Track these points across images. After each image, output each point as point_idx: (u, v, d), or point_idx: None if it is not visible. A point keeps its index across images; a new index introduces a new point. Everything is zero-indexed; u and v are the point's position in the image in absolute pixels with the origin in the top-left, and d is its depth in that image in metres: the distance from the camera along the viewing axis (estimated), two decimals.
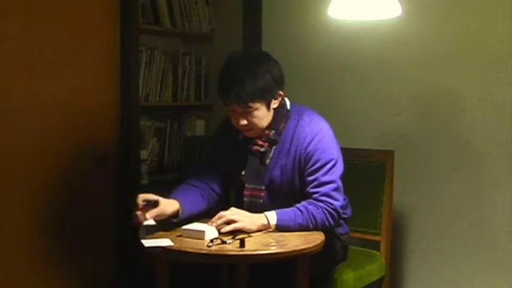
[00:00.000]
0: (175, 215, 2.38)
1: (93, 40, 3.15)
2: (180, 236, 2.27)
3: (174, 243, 2.17)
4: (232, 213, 2.35)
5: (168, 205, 2.36)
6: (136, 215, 2.29)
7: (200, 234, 2.23)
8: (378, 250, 2.96)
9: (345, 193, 2.51)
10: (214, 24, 3.96)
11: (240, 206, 2.45)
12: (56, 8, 2.98)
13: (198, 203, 2.49)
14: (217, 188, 2.58)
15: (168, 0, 3.69)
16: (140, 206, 2.29)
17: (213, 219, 2.34)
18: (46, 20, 2.95)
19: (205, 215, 2.47)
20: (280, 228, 2.35)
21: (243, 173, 2.52)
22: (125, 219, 2.65)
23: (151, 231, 2.26)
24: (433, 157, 3.10)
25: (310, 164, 2.44)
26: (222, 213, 2.35)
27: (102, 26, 3.19)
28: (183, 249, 2.15)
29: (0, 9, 2.79)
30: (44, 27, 2.94)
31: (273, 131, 2.49)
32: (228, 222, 2.31)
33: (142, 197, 2.31)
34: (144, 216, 2.28)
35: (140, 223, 2.27)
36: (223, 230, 2.29)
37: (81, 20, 3.08)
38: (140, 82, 3.48)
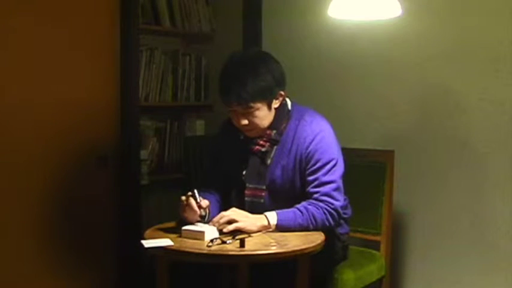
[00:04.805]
0: (204, 214, 2.38)
1: (93, 40, 3.15)
2: (180, 236, 2.27)
3: (174, 243, 2.17)
4: (233, 213, 2.35)
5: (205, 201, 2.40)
6: (190, 204, 2.33)
7: (200, 235, 2.23)
8: (378, 250, 2.96)
9: (345, 193, 2.51)
10: (214, 24, 3.96)
11: (241, 206, 2.45)
12: (56, 8, 2.99)
13: (216, 209, 2.49)
14: (226, 194, 2.60)
15: (168, 0, 3.70)
16: (186, 198, 2.33)
17: (214, 219, 2.35)
18: (46, 20, 2.95)
19: None
20: (280, 228, 2.35)
21: (244, 173, 2.52)
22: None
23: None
24: (433, 157, 3.10)
25: (311, 163, 2.44)
26: (223, 213, 2.35)
27: (102, 26, 3.19)
28: (183, 249, 2.14)
29: (0, 10, 2.79)
30: (44, 27, 2.95)
31: (274, 131, 2.49)
32: (229, 222, 2.31)
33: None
34: (200, 205, 2.33)
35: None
36: (225, 230, 2.29)
37: (81, 20, 3.09)
38: (140, 82, 3.49)
